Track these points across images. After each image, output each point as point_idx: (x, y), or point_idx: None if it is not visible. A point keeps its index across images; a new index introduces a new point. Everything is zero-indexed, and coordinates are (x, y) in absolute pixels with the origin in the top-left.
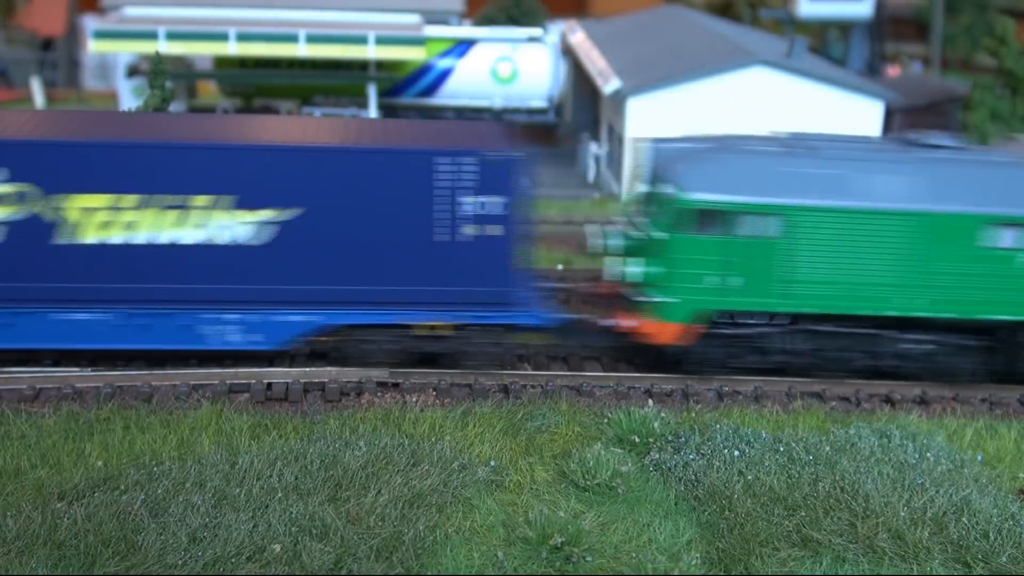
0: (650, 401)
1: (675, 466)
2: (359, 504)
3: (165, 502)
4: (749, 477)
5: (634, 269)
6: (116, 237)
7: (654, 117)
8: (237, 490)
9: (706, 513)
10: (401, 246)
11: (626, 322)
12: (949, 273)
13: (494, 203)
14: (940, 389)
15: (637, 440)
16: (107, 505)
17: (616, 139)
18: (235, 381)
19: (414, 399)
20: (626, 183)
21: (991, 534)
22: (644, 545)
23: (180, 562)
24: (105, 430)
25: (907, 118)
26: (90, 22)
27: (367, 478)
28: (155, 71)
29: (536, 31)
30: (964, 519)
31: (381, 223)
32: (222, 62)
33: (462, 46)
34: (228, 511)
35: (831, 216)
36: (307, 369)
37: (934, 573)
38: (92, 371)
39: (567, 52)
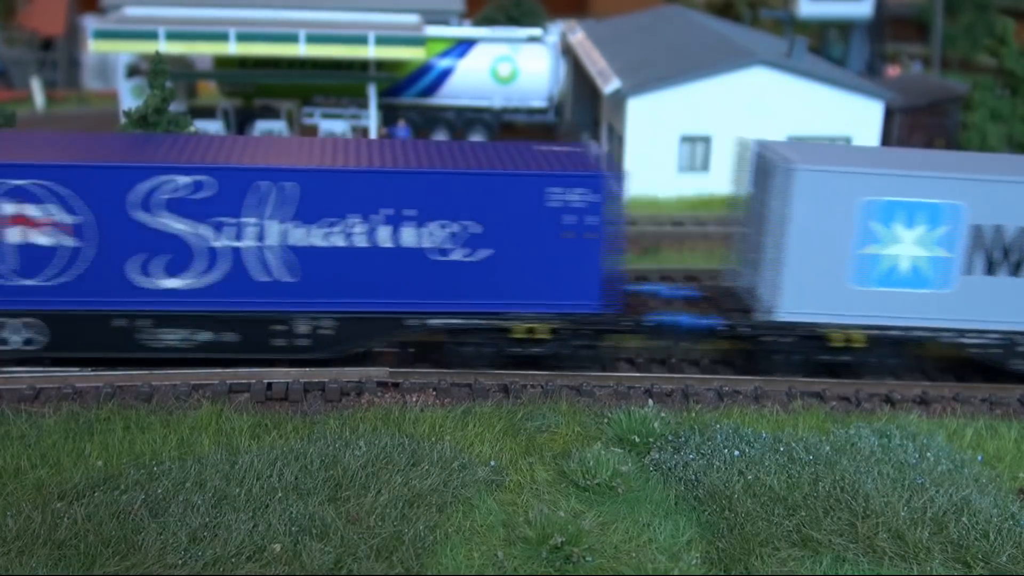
0: (650, 401)
1: (675, 466)
2: (359, 504)
3: (165, 502)
4: (749, 477)
5: None
6: None
7: (654, 117)
8: (237, 490)
9: (706, 513)
10: None
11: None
12: None
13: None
14: (940, 389)
15: (637, 440)
16: (107, 505)
17: (616, 139)
18: (235, 381)
19: (414, 399)
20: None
21: (991, 534)
22: (644, 545)
23: (180, 562)
24: (105, 430)
25: (907, 118)
26: (90, 22)
27: (367, 478)
28: (155, 71)
29: (536, 31)
30: (964, 519)
31: None
32: (222, 62)
33: (462, 46)
34: (228, 511)
35: None
36: (307, 369)
37: (934, 573)
38: (92, 371)
39: (567, 52)
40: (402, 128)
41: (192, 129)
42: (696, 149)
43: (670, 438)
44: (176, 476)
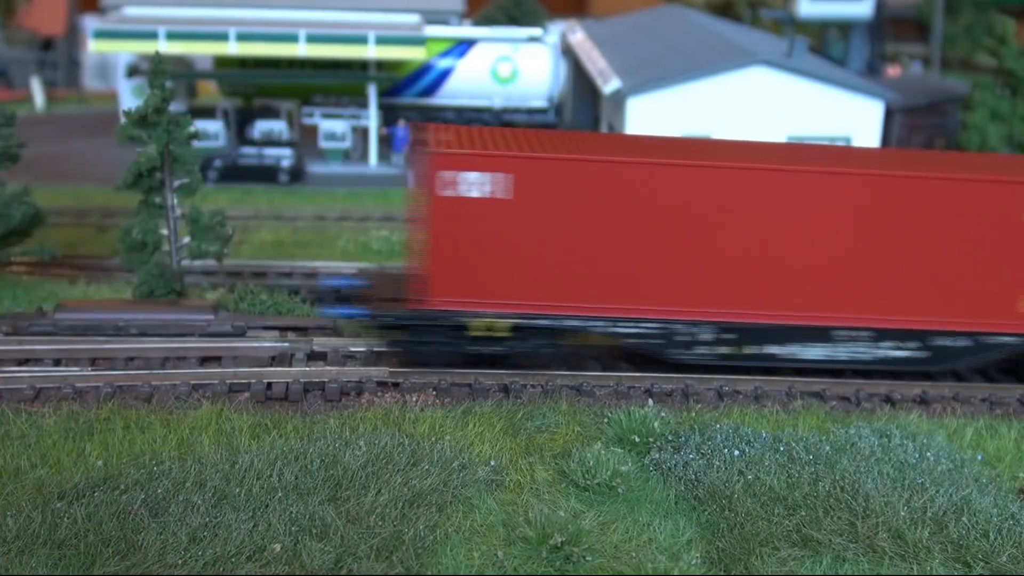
0: (650, 401)
1: (675, 466)
2: (359, 504)
3: (165, 502)
4: (749, 477)
5: None
6: None
7: (654, 117)
8: (237, 490)
9: (706, 513)
10: None
11: None
12: None
13: None
14: (940, 389)
15: (637, 440)
16: (107, 505)
17: None
18: (235, 381)
19: (414, 399)
20: None
21: (991, 534)
22: (644, 545)
23: (180, 561)
24: (105, 430)
25: (907, 118)
26: (90, 22)
27: (367, 478)
28: (155, 71)
29: (536, 31)
30: (964, 519)
31: None
32: (222, 62)
33: (462, 46)
34: (228, 511)
35: None
36: (307, 369)
37: (934, 573)
38: (92, 371)
39: (567, 52)
40: (402, 128)
41: (192, 129)
42: None
43: (670, 438)
44: (176, 476)
